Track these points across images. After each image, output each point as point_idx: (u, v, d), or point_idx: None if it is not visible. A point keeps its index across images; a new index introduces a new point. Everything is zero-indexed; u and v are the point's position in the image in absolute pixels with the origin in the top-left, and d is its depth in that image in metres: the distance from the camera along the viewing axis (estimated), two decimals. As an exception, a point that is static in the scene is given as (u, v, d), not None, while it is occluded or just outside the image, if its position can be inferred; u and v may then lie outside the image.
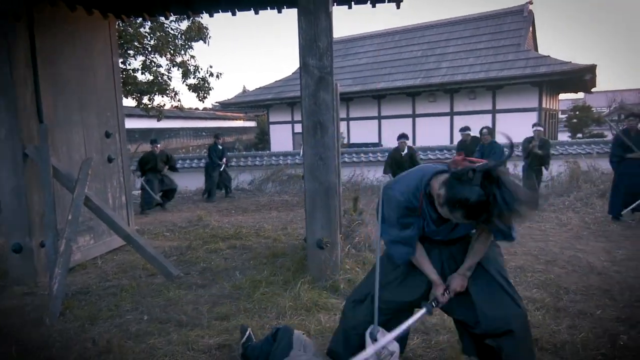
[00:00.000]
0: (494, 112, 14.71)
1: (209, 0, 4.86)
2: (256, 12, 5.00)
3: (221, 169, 9.97)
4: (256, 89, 20.49)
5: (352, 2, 4.91)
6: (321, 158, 3.63)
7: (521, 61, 14.03)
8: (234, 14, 5.05)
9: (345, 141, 16.54)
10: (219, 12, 5.16)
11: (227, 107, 23.28)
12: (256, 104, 20.20)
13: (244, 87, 21.38)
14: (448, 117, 15.46)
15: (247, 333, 2.63)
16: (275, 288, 3.80)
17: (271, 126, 19.56)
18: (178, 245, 5.61)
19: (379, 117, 16.77)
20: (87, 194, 4.09)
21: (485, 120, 14.69)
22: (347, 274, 3.92)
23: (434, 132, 15.28)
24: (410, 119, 16.11)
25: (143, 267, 4.62)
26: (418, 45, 17.22)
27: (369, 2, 4.87)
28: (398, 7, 4.86)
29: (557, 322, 3.00)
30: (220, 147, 10.12)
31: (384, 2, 4.85)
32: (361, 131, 16.81)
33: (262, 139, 22.61)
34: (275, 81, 19.71)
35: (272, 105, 18.78)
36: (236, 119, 27.69)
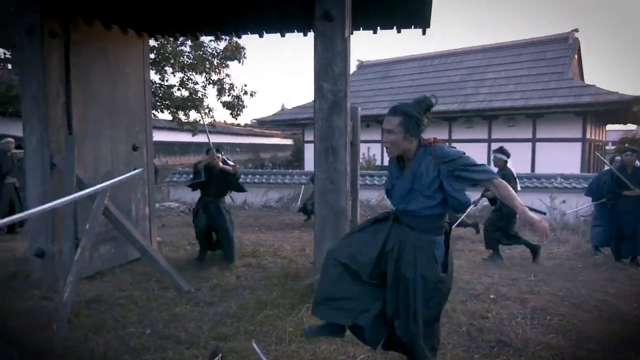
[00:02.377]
0: (534, 140, 14.21)
1: (237, 22, 4.99)
2: (282, 35, 5.09)
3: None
4: (293, 107, 20.82)
5: (378, 27, 4.92)
6: (332, 182, 3.58)
7: (564, 89, 13.53)
8: (261, 35, 5.17)
9: (378, 163, 16.42)
10: (247, 33, 5.30)
11: (264, 124, 23.76)
12: (292, 123, 20.48)
13: (283, 105, 21.82)
14: (485, 144, 15.06)
15: (217, 358, 2.57)
16: (280, 311, 3.73)
17: (306, 145, 19.72)
18: (195, 260, 5.67)
19: (414, 141, 16.57)
20: (106, 205, 4.22)
21: (525, 149, 14.21)
22: (354, 302, 3.80)
23: (469, 159, 14.91)
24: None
25: (157, 279, 4.68)
26: (457, 70, 17.01)
27: (394, 27, 4.85)
28: (424, 33, 4.81)
29: (572, 373, 2.76)
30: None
31: (410, 27, 4.82)
32: (395, 154, 16.65)
33: (297, 157, 22.84)
34: (312, 100, 19.94)
35: (307, 124, 18.98)
36: (273, 136, 28.18)
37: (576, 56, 15.90)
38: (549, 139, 13.91)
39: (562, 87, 13.72)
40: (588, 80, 16.73)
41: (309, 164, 18.71)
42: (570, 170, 11.21)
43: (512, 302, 4.15)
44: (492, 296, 4.33)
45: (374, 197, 10.81)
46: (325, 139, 3.54)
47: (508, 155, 5.82)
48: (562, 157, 13.15)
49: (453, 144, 16.56)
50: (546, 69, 14.93)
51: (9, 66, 10.67)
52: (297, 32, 5.05)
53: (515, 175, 5.80)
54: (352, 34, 4.56)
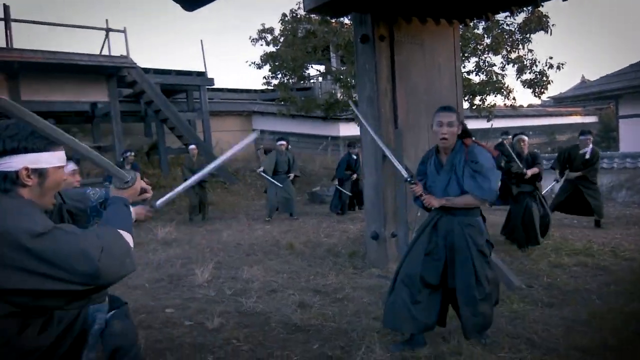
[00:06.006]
0: None
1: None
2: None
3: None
4: (600, 77, 17.31)
5: None
6: None
7: None
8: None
9: None
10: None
11: (560, 102, 20.73)
12: (600, 96, 17.07)
13: (583, 76, 18.43)
14: None
15: None
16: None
17: (621, 121, 16.09)
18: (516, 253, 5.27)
19: None
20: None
21: None
22: None
23: None
24: None
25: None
26: None
27: None
28: None
29: None
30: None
31: None
32: None
33: (605, 136, 18.94)
34: (630, 65, 16.06)
35: (622, 95, 15.42)
36: (571, 114, 24.30)
37: None
38: None
39: None
40: None
41: (627, 145, 15.14)
42: None
43: None
44: None
45: None
46: None
47: None
48: None
49: None
50: None
51: (328, 77, 12.79)
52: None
53: None
54: None
